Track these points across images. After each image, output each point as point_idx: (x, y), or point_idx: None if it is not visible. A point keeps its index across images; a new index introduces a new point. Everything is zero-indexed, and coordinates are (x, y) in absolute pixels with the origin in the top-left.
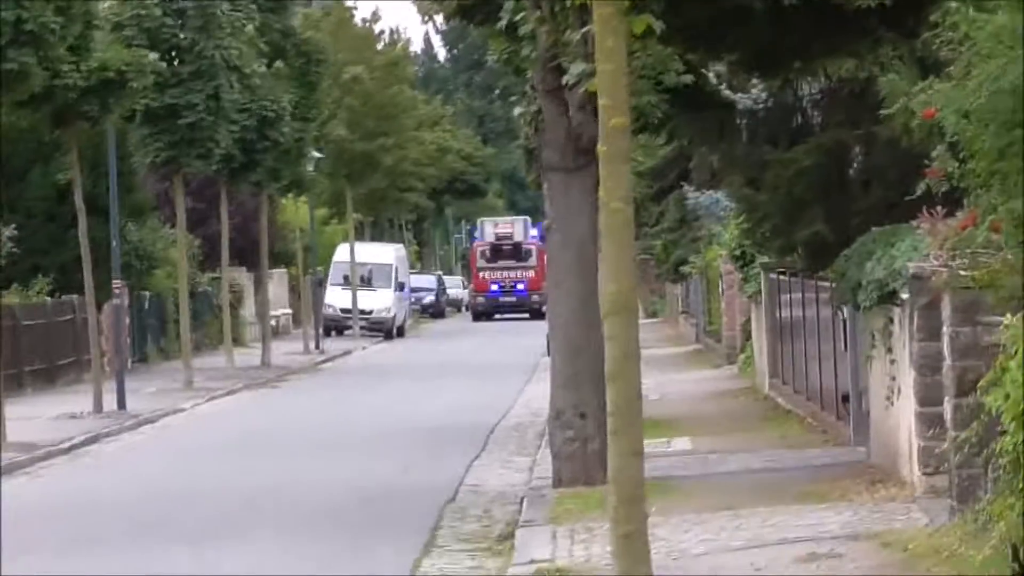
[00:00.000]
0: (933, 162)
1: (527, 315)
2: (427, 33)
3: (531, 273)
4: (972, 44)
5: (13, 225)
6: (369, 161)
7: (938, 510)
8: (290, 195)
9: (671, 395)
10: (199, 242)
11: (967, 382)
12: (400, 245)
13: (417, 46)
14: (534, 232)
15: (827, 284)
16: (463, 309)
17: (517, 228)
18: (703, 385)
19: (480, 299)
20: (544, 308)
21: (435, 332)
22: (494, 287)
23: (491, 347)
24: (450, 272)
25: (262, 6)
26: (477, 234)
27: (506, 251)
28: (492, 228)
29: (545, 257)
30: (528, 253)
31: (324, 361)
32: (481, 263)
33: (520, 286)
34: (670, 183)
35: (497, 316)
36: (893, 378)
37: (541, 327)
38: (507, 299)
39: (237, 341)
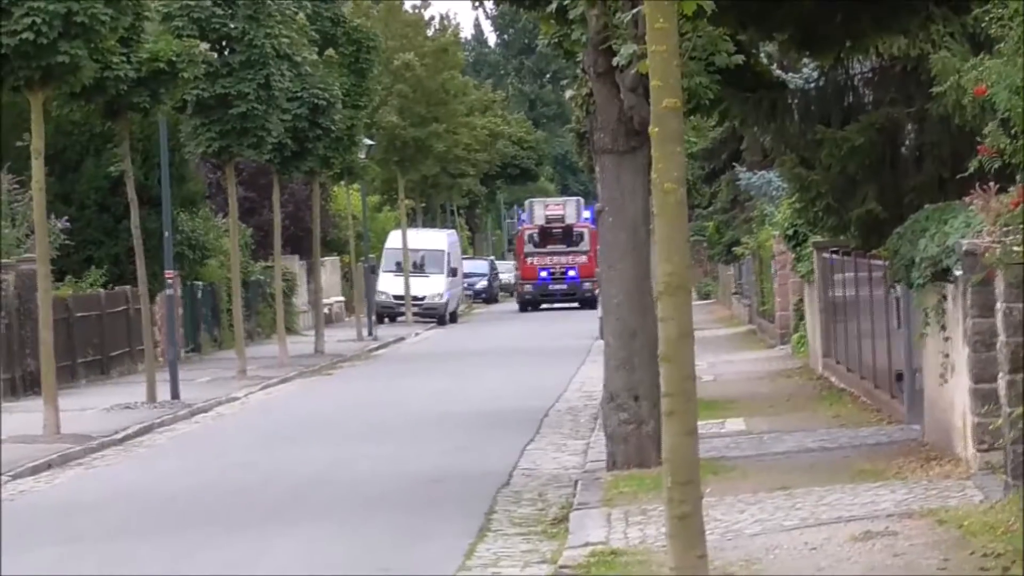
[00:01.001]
0: (985, 139)
1: (577, 304)
2: (477, 18)
3: (583, 259)
4: (1023, 20)
5: (66, 217)
6: (420, 147)
7: (993, 487)
8: (342, 183)
9: (724, 376)
10: (251, 231)
11: (1021, 358)
12: (452, 231)
13: (467, 32)
14: (587, 214)
15: (880, 263)
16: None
17: (569, 209)
18: (756, 365)
19: (527, 287)
20: (598, 296)
21: (488, 317)
22: (543, 274)
23: (544, 332)
24: (502, 257)
25: None
26: (524, 216)
27: (556, 234)
28: (542, 209)
29: (597, 241)
30: (580, 237)
31: (377, 348)
32: (529, 247)
33: (571, 272)
34: (722, 164)
35: (545, 306)
36: (947, 355)
37: (593, 315)
38: (557, 287)
39: (290, 329)
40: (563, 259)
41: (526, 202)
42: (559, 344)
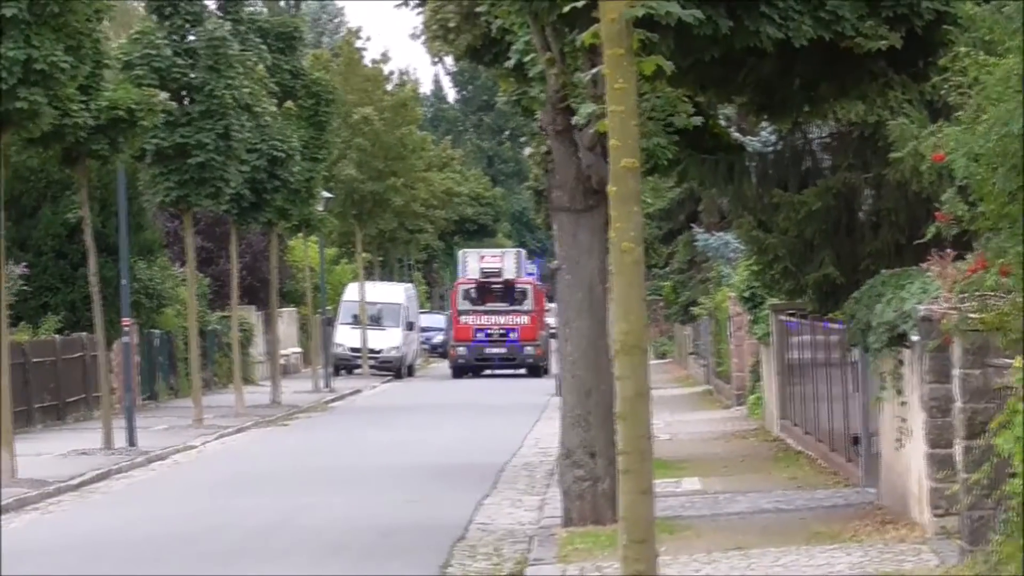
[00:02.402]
0: (943, 205)
1: (523, 371)
2: (436, 74)
3: (525, 319)
4: (981, 88)
5: (23, 263)
6: (378, 201)
7: (948, 552)
8: (300, 234)
9: (681, 435)
10: (208, 281)
11: (977, 424)
12: (410, 284)
13: (427, 87)
14: (532, 268)
15: (837, 326)
16: None
17: (508, 262)
18: (713, 426)
19: (460, 349)
20: (543, 363)
21: (445, 372)
22: (479, 335)
23: (501, 387)
24: None
25: (272, 46)
26: (460, 270)
27: (496, 291)
28: (476, 262)
29: (543, 299)
30: (523, 294)
31: (334, 400)
32: (464, 305)
33: (512, 335)
34: (679, 224)
35: (486, 372)
36: (903, 420)
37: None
38: (495, 350)
39: (247, 379)
40: (502, 319)
41: (459, 253)
42: (516, 399)
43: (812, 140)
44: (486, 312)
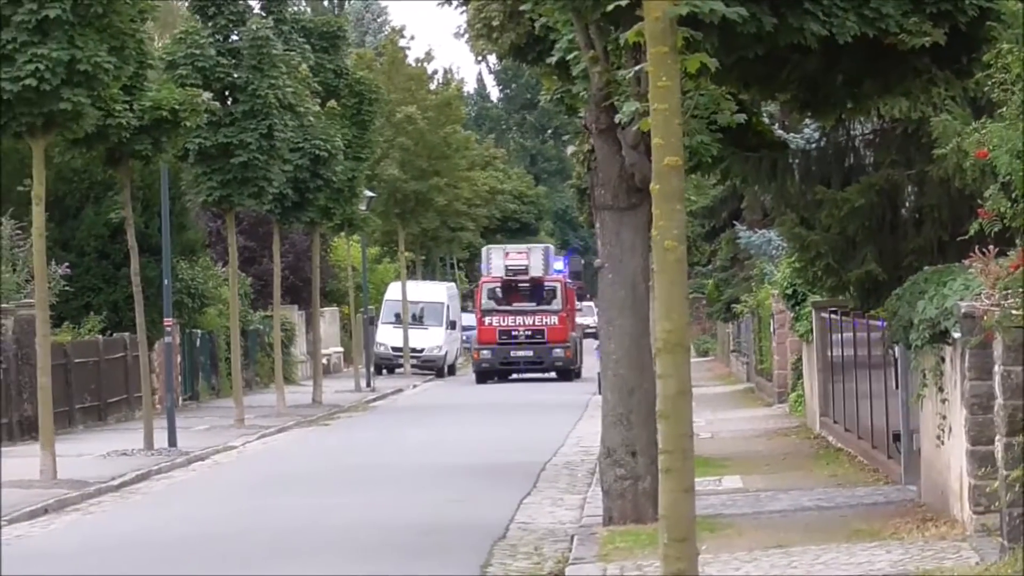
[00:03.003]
0: (985, 202)
1: (553, 375)
2: (480, 73)
3: (554, 319)
4: None
5: (66, 263)
6: (421, 200)
7: (989, 549)
8: (342, 234)
9: (722, 433)
10: (251, 280)
11: (1018, 421)
12: (452, 283)
13: (470, 86)
14: (559, 265)
15: (878, 323)
16: None
17: (534, 259)
18: (754, 423)
19: (484, 352)
20: (574, 367)
21: None
22: (504, 337)
23: (543, 386)
24: None
25: (316, 46)
26: (483, 266)
27: (522, 290)
28: (501, 259)
29: (573, 298)
30: (551, 292)
31: (375, 399)
32: (488, 304)
33: (540, 336)
34: (722, 222)
35: (514, 376)
36: (944, 417)
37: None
38: (521, 353)
39: (288, 379)
40: (529, 319)
41: (483, 250)
42: (557, 398)
43: (855, 137)
44: (511, 312)
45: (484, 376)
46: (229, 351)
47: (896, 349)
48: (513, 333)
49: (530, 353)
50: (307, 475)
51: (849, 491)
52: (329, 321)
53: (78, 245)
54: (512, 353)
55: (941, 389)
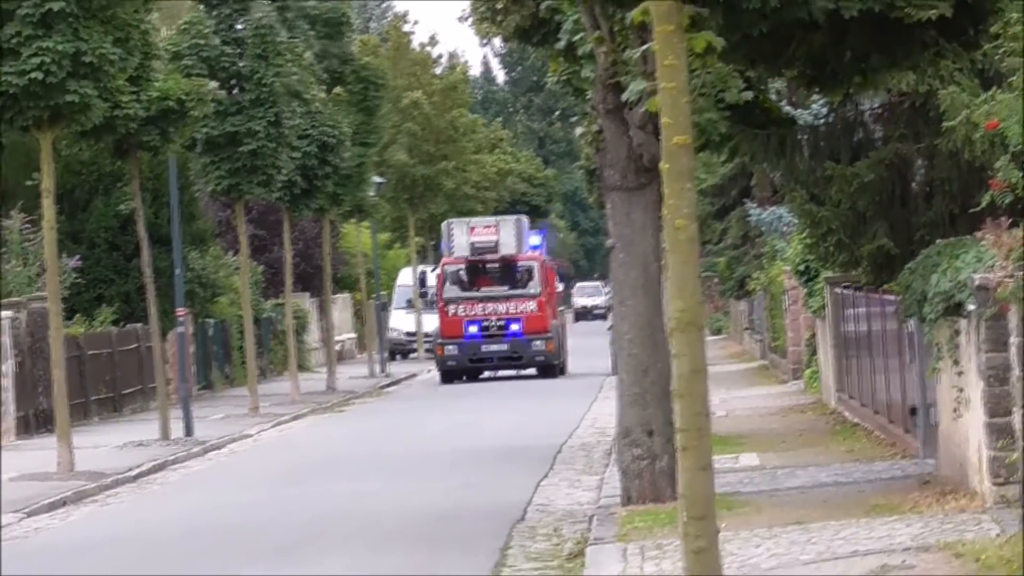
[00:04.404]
0: (996, 173)
1: (533, 371)
2: (485, 56)
3: (532, 305)
4: None
5: (77, 256)
6: (430, 185)
7: (1009, 520)
8: (352, 220)
9: (738, 411)
10: (262, 268)
11: None
12: None
13: (476, 70)
14: (535, 239)
15: (892, 297)
16: None
17: (505, 233)
18: (769, 401)
19: (451, 348)
20: (557, 361)
21: None
22: (473, 329)
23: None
24: None
25: (320, 33)
26: (443, 245)
27: (491, 271)
28: (465, 235)
29: (553, 279)
30: (527, 273)
31: (389, 384)
32: (451, 291)
33: (515, 326)
34: (732, 200)
35: (486, 374)
36: (960, 390)
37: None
38: (493, 347)
39: (302, 366)
40: (501, 306)
41: (443, 225)
42: (574, 378)
43: (863, 112)
44: (480, 299)
45: (450, 376)
46: (242, 340)
47: (910, 323)
48: (483, 324)
49: (504, 347)
50: (323, 463)
51: (867, 466)
52: (341, 308)
53: (88, 237)
54: (483, 348)
55: (957, 362)
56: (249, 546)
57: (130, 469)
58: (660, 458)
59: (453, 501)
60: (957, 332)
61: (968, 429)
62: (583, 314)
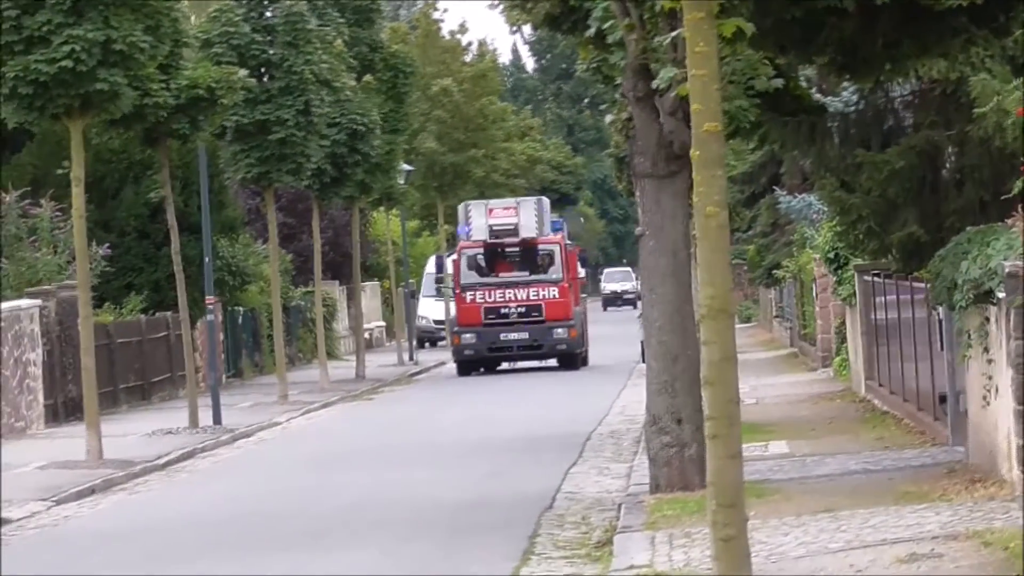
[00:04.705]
0: None
1: (554, 361)
2: (515, 44)
3: (554, 291)
4: None
5: (106, 244)
6: (459, 173)
7: None
8: (381, 208)
9: (767, 399)
10: (291, 257)
11: None
12: None
13: (505, 57)
14: (556, 218)
15: (922, 285)
16: None
17: (525, 215)
18: (799, 388)
19: (468, 336)
20: (580, 350)
21: None
22: (491, 317)
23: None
24: None
25: (350, 20)
26: (461, 229)
27: (510, 255)
28: (483, 217)
29: (576, 264)
30: (548, 257)
31: (418, 372)
32: (469, 277)
33: (536, 314)
34: (762, 187)
35: (505, 365)
36: (990, 377)
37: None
38: (513, 336)
39: (331, 354)
40: (521, 292)
41: (459, 207)
42: (601, 368)
43: (894, 99)
44: (499, 285)
45: (467, 367)
46: (271, 328)
47: (940, 310)
48: (502, 311)
49: (525, 335)
50: (352, 451)
51: (896, 454)
52: (370, 296)
53: (118, 225)
54: (502, 336)
55: (987, 349)
56: (278, 534)
57: (159, 457)
58: (689, 446)
59: (481, 489)
60: (987, 320)
61: (997, 417)
62: (612, 300)
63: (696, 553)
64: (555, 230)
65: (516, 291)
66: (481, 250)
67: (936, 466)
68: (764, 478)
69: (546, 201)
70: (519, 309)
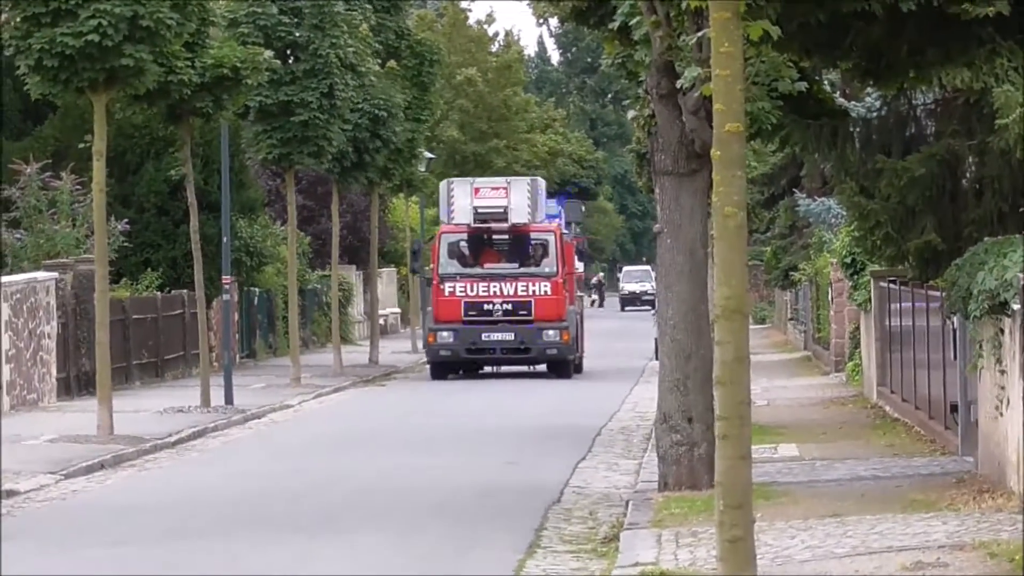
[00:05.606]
0: None
1: (544, 367)
2: (541, 36)
3: (545, 287)
4: None
5: (125, 219)
6: (480, 162)
7: None
8: (401, 195)
9: (778, 401)
10: (309, 239)
11: None
12: None
13: (531, 49)
14: (553, 208)
15: (937, 293)
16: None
17: (517, 197)
18: (811, 392)
19: (445, 335)
20: (573, 355)
21: None
22: (473, 313)
23: (599, 349)
24: None
25: (377, 6)
26: (443, 212)
27: (498, 243)
28: (468, 197)
29: (572, 256)
30: (541, 248)
31: None
32: (449, 266)
33: (524, 312)
34: (781, 189)
35: (487, 369)
36: (1002, 388)
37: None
38: (496, 336)
39: (345, 339)
40: (509, 286)
41: (441, 185)
42: (614, 363)
43: (916, 106)
44: (483, 277)
45: (442, 369)
46: (287, 310)
47: (955, 319)
48: (486, 307)
49: (510, 336)
50: (363, 436)
51: (905, 461)
52: (386, 282)
53: (138, 201)
54: (484, 336)
55: (999, 360)
56: (286, 515)
57: (169, 435)
58: (699, 445)
59: (490, 479)
60: (1001, 331)
61: (1008, 428)
62: (631, 300)
63: (702, 553)
64: (553, 215)
65: (502, 285)
66: (464, 236)
67: (945, 475)
68: (772, 480)
69: (541, 182)
70: (505, 306)
